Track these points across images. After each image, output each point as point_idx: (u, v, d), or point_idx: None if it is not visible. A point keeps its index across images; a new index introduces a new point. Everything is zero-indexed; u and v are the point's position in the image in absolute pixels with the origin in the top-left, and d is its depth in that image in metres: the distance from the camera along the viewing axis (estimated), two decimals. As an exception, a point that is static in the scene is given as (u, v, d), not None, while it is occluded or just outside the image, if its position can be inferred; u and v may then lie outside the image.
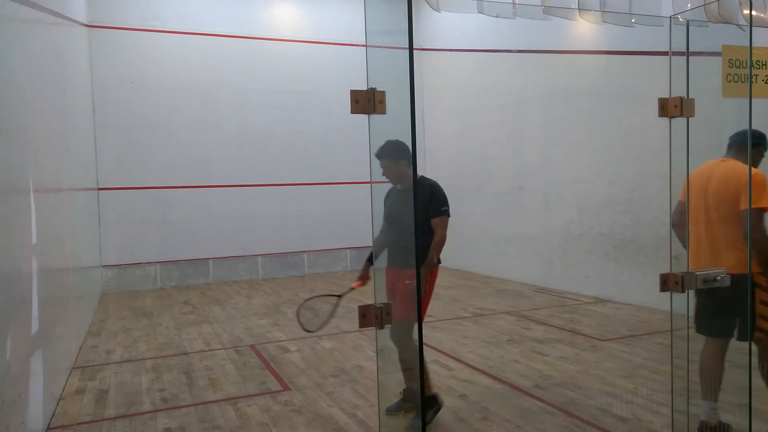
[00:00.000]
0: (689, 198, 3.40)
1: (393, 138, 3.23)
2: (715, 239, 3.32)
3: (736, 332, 3.35)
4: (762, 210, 3.16)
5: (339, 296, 3.91)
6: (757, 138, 3.38)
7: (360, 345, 5.95)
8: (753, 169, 3.15)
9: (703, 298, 3.38)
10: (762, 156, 3.45)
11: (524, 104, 9.39)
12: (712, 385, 3.40)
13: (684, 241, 3.38)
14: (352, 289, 3.92)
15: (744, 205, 3.16)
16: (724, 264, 3.17)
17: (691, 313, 3.31)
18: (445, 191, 3.88)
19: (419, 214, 3.63)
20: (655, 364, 4.99)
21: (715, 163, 3.45)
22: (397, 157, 3.67)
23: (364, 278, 4.01)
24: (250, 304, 8.43)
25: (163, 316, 7.74)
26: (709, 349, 3.42)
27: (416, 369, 3.45)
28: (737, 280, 2.95)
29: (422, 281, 3.64)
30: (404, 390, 3.94)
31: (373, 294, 2.35)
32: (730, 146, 3.46)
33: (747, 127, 2.91)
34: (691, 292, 2.97)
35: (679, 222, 3.47)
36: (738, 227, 3.23)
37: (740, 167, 3.27)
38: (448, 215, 3.78)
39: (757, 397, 3.45)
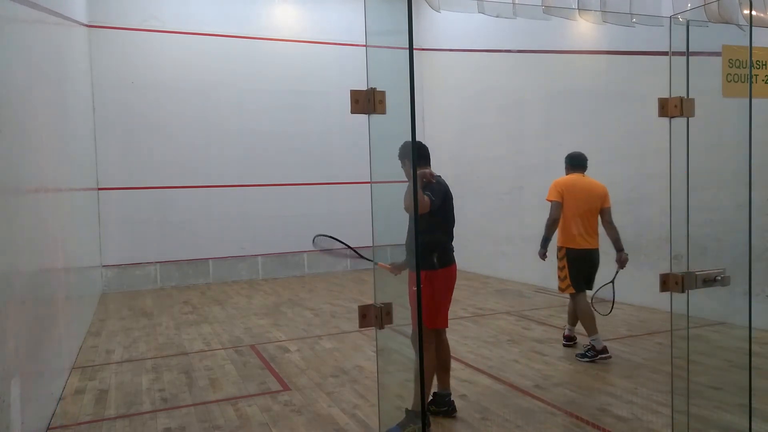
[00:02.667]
0: (565, 200, 5.26)
1: (393, 138, 3.23)
2: (593, 225, 5.24)
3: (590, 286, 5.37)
4: (609, 208, 5.27)
5: (361, 256, 3.94)
6: (578, 159, 5.43)
7: (360, 345, 5.94)
8: (600, 183, 5.32)
9: (575, 268, 5.25)
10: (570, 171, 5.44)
11: (524, 104, 9.39)
12: (592, 324, 5.17)
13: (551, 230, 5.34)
14: (376, 263, 3.85)
15: (605, 205, 5.25)
16: (592, 243, 5.24)
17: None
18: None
19: (416, 218, 3.60)
20: (655, 364, 4.99)
21: (574, 175, 5.36)
22: (401, 157, 3.68)
23: (396, 267, 3.90)
24: (250, 304, 8.43)
25: (163, 316, 7.74)
26: (581, 301, 5.27)
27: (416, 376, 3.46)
28: (596, 252, 5.23)
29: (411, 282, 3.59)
30: (434, 393, 3.99)
31: (373, 294, 2.35)
32: (577, 166, 5.43)
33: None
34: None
35: (557, 218, 5.29)
36: (597, 219, 5.23)
37: (596, 182, 5.32)
38: (429, 197, 3.62)
39: (757, 397, 3.46)
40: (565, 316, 6.99)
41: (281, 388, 4.69)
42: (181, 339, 6.45)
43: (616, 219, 7.79)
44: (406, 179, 3.62)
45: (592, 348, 5.13)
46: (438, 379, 3.97)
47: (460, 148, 11.11)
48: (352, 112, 2.09)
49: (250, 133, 10.85)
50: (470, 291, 8.91)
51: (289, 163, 11.09)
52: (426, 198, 3.63)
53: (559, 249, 5.36)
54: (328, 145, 11.33)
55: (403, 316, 3.14)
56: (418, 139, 2.73)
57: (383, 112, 2.10)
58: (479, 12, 6.54)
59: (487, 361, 5.24)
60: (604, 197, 5.26)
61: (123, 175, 9.97)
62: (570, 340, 5.65)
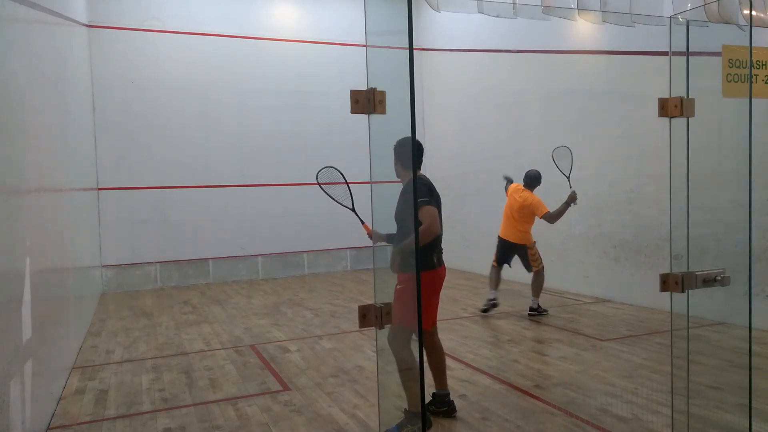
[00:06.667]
0: (508, 205, 7.02)
1: (393, 138, 3.21)
2: (517, 227, 6.86)
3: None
4: (545, 213, 6.60)
5: (353, 210, 3.93)
6: (535, 179, 6.88)
7: (360, 345, 5.94)
8: (534, 196, 6.79)
9: (497, 248, 7.08)
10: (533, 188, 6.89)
11: (524, 104, 9.39)
12: (492, 284, 7.17)
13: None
14: (362, 222, 3.89)
15: (539, 214, 6.64)
16: (518, 237, 6.88)
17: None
18: (440, 189, 3.88)
19: (417, 216, 3.58)
20: (655, 364, 4.99)
21: (519, 187, 6.95)
22: (396, 155, 3.63)
23: (375, 236, 3.90)
24: (250, 304, 8.43)
25: (163, 316, 7.74)
26: (495, 272, 7.11)
27: (411, 378, 3.43)
28: (522, 246, 6.91)
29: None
30: (433, 394, 3.98)
31: (373, 294, 2.36)
32: (525, 183, 6.93)
33: (747, 131, 2.91)
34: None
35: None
36: (529, 224, 6.87)
37: (531, 195, 6.81)
38: (429, 204, 3.62)
39: (757, 397, 3.46)
40: (566, 316, 7.02)
41: (281, 388, 4.69)
42: (181, 339, 6.45)
43: (617, 219, 7.85)
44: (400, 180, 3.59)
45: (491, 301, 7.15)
46: (435, 380, 3.97)
47: (460, 148, 11.11)
48: (352, 112, 2.09)
49: (250, 133, 10.85)
50: (470, 291, 8.91)
51: (289, 163, 11.09)
52: (433, 209, 3.62)
53: None
54: (328, 145, 11.32)
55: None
56: (418, 138, 2.73)
57: (383, 112, 2.10)
58: (479, 12, 6.55)
59: (487, 361, 5.24)
60: (529, 212, 6.76)
61: (123, 175, 9.97)
62: (493, 304, 7.15)
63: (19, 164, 3.60)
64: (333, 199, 4.16)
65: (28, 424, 3.37)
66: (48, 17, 5.29)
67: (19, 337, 3.32)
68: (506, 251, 7.05)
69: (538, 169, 6.94)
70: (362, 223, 4.00)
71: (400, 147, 3.55)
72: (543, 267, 6.99)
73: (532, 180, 6.88)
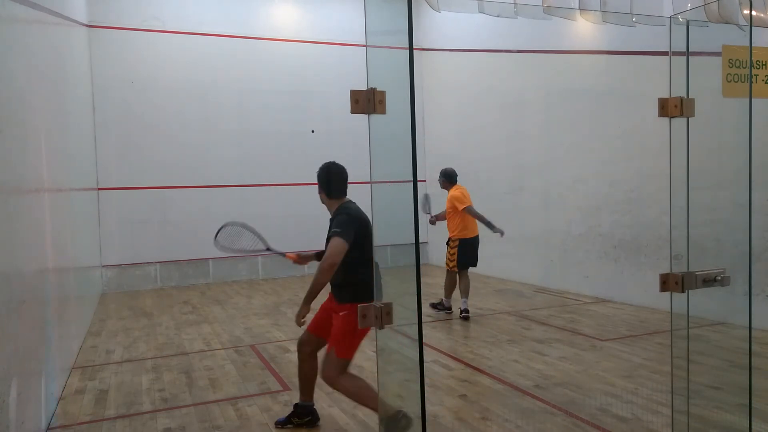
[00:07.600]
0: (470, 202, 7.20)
1: (393, 138, 3.19)
2: (472, 221, 7.18)
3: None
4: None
5: (269, 249, 3.87)
6: (451, 176, 7.25)
7: (360, 345, 5.93)
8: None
9: (462, 253, 7.16)
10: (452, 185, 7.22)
11: (524, 104, 9.38)
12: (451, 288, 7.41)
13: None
14: (284, 255, 3.84)
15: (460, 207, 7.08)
16: (474, 231, 7.27)
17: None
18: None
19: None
20: (655, 364, 4.99)
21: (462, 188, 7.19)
22: (320, 183, 3.59)
23: (301, 259, 3.88)
24: (250, 304, 8.43)
25: (163, 316, 7.73)
26: (452, 278, 7.32)
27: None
28: (477, 238, 7.30)
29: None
30: (295, 405, 3.90)
31: (373, 294, 2.35)
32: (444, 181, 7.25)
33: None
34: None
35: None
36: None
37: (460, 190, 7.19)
38: (340, 237, 3.39)
39: (757, 397, 3.46)
40: (566, 316, 7.02)
41: (281, 388, 4.68)
42: (181, 339, 6.45)
43: (617, 219, 7.86)
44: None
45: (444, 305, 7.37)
46: (305, 392, 3.86)
47: (460, 148, 11.10)
48: (352, 112, 2.09)
49: (250, 133, 10.84)
50: (470, 291, 8.90)
51: (289, 163, 11.08)
52: (340, 242, 3.40)
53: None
54: (328, 145, 11.31)
55: (404, 316, 3.13)
56: (418, 138, 2.72)
57: (383, 112, 2.10)
58: (480, 11, 6.55)
59: (487, 361, 5.24)
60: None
61: (123, 175, 9.97)
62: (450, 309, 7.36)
63: (19, 164, 3.60)
64: (246, 252, 4.12)
65: (28, 424, 3.37)
66: (48, 17, 5.29)
67: (19, 337, 3.31)
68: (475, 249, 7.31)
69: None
70: (284, 255, 3.94)
71: (323, 175, 3.57)
72: (454, 268, 7.19)
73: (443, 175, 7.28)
